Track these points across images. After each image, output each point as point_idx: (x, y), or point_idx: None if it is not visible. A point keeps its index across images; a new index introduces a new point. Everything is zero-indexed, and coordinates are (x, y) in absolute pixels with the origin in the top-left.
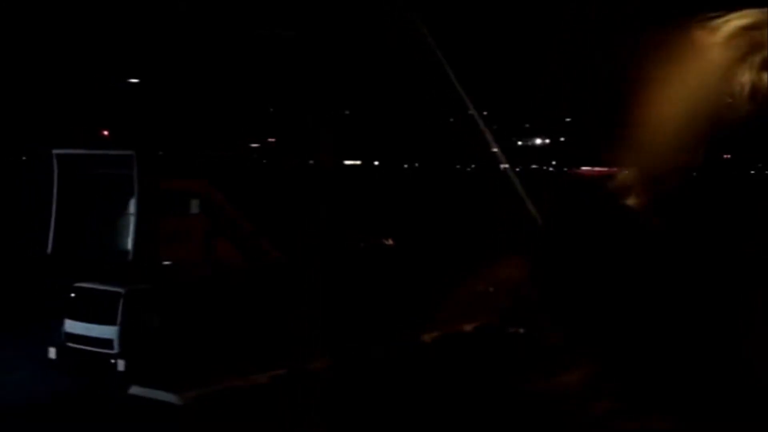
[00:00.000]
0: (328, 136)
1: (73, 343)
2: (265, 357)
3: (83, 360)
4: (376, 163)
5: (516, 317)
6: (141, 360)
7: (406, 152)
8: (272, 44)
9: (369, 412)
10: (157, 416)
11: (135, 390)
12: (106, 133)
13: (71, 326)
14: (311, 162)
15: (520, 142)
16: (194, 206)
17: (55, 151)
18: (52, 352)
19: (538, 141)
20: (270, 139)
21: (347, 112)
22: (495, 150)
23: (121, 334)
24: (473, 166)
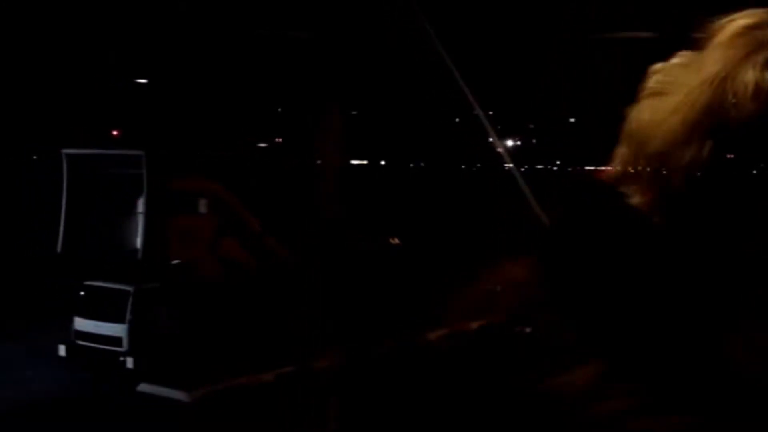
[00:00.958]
0: (335, 135)
1: (83, 340)
2: (273, 355)
3: (92, 357)
4: (383, 162)
5: (523, 316)
6: (149, 358)
7: (412, 151)
8: (281, 44)
9: (375, 411)
10: (165, 413)
11: (143, 387)
12: (115, 132)
13: (81, 324)
14: (318, 162)
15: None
16: (203, 206)
17: (64, 151)
18: (61, 350)
19: (510, 142)
20: (277, 139)
21: (354, 112)
22: (500, 149)
23: (130, 332)
24: (479, 165)
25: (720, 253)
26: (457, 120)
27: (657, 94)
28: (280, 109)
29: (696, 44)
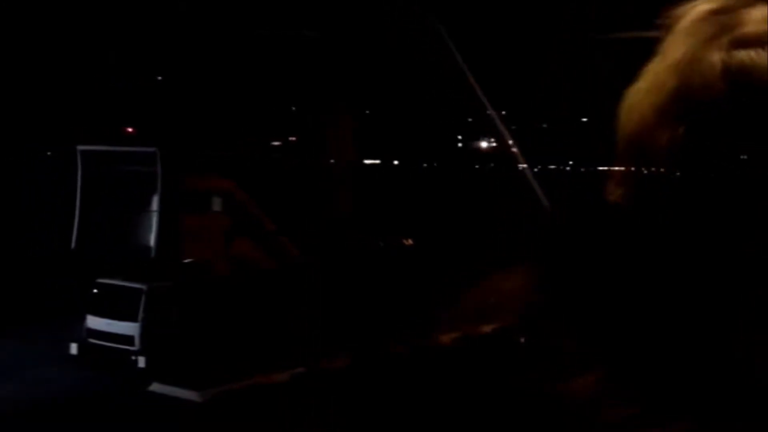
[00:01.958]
0: (348, 135)
1: (95, 339)
2: (285, 355)
3: (104, 356)
4: (396, 162)
5: (519, 325)
6: (161, 357)
7: (425, 151)
8: (294, 44)
9: (386, 412)
10: (177, 413)
11: (155, 387)
12: (130, 130)
13: (93, 322)
14: (332, 161)
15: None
16: (216, 204)
17: (79, 148)
18: (73, 348)
19: (484, 144)
20: (291, 138)
21: (367, 112)
22: (514, 150)
23: (142, 331)
24: (492, 165)
25: (716, 250)
26: (469, 120)
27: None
28: (294, 108)
29: (662, 32)
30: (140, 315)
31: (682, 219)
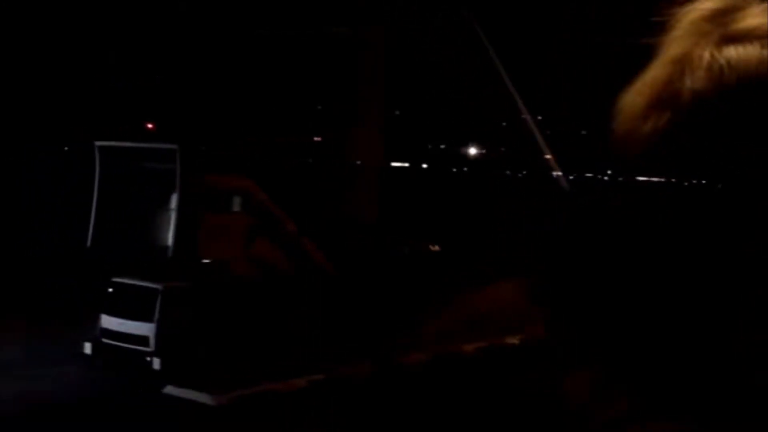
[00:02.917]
0: (376, 137)
1: (109, 339)
2: (303, 360)
3: (118, 357)
4: (425, 166)
5: (514, 328)
6: (177, 359)
7: (455, 156)
8: (320, 42)
9: (404, 421)
10: (191, 417)
11: (170, 389)
12: (150, 125)
13: (107, 322)
14: (357, 163)
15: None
16: (236, 204)
17: (97, 143)
18: (87, 348)
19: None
20: (316, 138)
21: (397, 113)
22: (548, 156)
23: (158, 332)
24: (524, 172)
25: (714, 250)
26: (504, 124)
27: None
28: (319, 107)
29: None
30: (156, 315)
31: (679, 220)
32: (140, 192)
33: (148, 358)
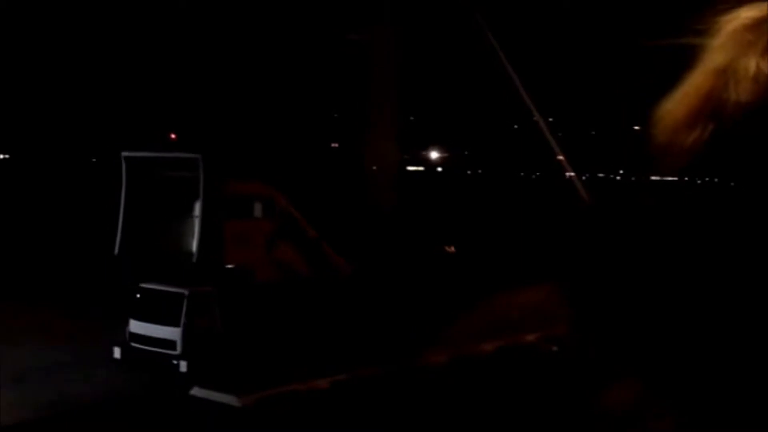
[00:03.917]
0: (391, 141)
1: (137, 343)
2: (327, 362)
3: (146, 360)
4: (439, 169)
5: (550, 336)
6: (203, 361)
7: (469, 158)
8: (335, 49)
9: (427, 421)
10: (217, 418)
11: (196, 391)
12: (173, 136)
13: (135, 326)
14: (375, 168)
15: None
16: (258, 210)
17: (123, 154)
18: (116, 352)
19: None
20: (333, 144)
21: (411, 118)
22: (560, 157)
23: (184, 336)
24: (538, 173)
25: (753, 259)
26: (515, 127)
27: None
28: (336, 115)
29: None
30: (182, 320)
31: (717, 228)
32: (165, 200)
33: (175, 361)
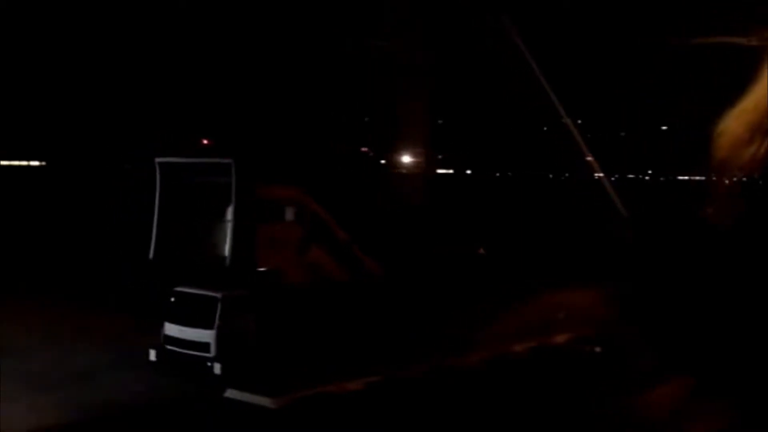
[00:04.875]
0: (423, 145)
1: (172, 345)
2: (359, 363)
3: (181, 362)
4: (469, 172)
5: (593, 336)
6: (236, 364)
7: (499, 161)
8: (367, 54)
9: (459, 422)
10: (251, 419)
11: (230, 393)
12: (206, 142)
13: (170, 329)
14: (404, 171)
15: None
16: (289, 214)
17: (157, 160)
18: (152, 354)
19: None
20: (363, 149)
21: (440, 121)
22: (589, 158)
23: (218, 338)
24: (566, 175)
25: None
26: (545, 129)
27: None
28: (367, 119)
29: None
30: (216, 323)
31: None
32: (198, 205)
33: (209, 364)
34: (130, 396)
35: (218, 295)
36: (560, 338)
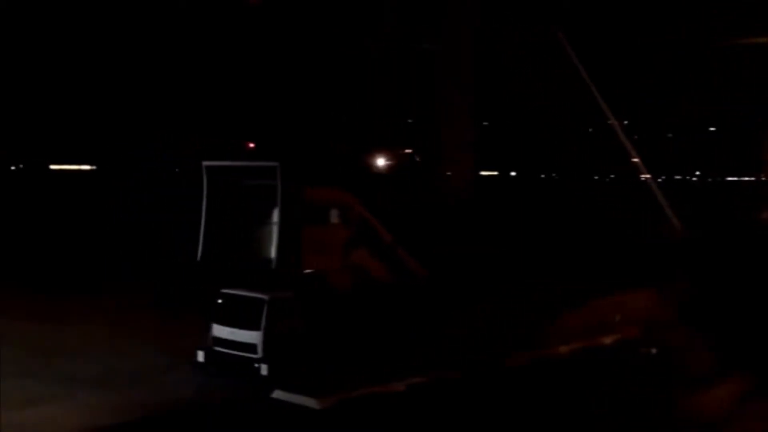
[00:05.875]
0: (466, 146)
1: (220, 346)
2: (404, 365)
3: (229, 363)
4: (513, 173)
5: (649, 337)
6: (283, 365)
7: (544, 162)
8: (412, 57)
9: (501, 423)
10: (297, 419)
11: (277, 394)
12: (251, 145)
13: (218, 330)
14: (449, 173)
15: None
16: (335, 216)
17: (204, 163)
18: (200, 355)
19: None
20: (407, 150)
21: (485, 123)
22: (636, 160)
23: (265, 340)
24: (612, 176)
25: None
26: (590, 130)
27: None
28: (410, 121)
29: None
30: (262, 324)
31: None
32: (245, 208)
33: (256, 365)
34: (178, 396)
35: (265, 296)
36: (613, 339)
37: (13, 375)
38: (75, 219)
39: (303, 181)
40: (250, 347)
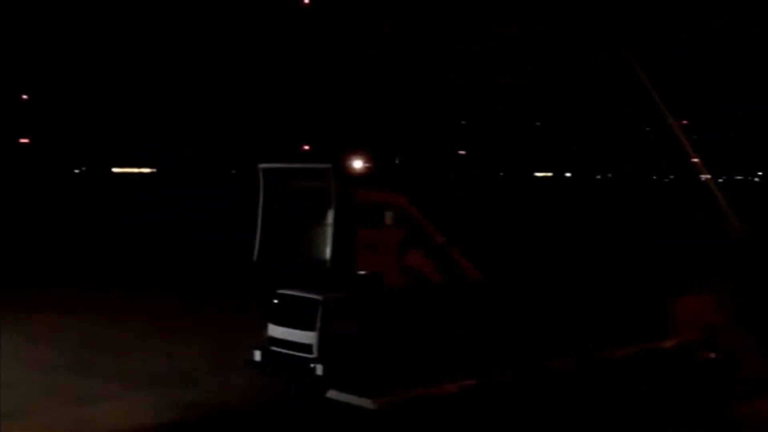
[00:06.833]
0: (519, 148)
1: (276, 346)
2: (456, 367)
3: (284, 363)
4: (568, 174)
5: (707, 342)
6: (338, 365)
7: (599, 163)
8: (460, 58)
9: (554, 427)
10: (352, 420)
11: (332, 394)
12: (306, 147)
13: (274, 331)
14: (501, 174)
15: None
16: (388, 218)
17: (260, 166)
18: (256, 355)
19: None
20: (461, 152)
21: (538, 124)
22: (695, 160)
23: (320, 340)
24: (671, 176)
25: None
26: (647, 130)
27: None
28: (463, 122)
29: None
30: (317, 324)
31: None
32: (300, 209)
33: (312, 365)
34: (232, 396)
35: (320, 297)
36: (672, 343)
37: (68, 370)
38: (128, 220)
39: (357, 183)
40: (306, 347)
